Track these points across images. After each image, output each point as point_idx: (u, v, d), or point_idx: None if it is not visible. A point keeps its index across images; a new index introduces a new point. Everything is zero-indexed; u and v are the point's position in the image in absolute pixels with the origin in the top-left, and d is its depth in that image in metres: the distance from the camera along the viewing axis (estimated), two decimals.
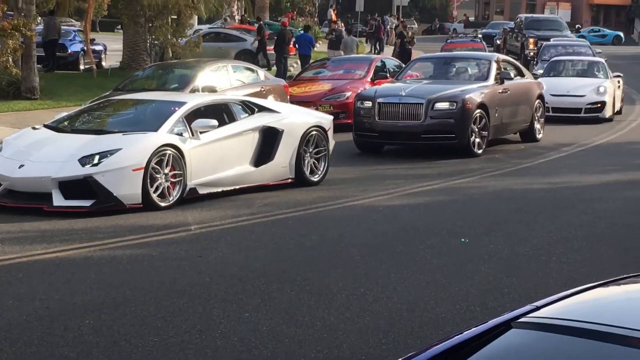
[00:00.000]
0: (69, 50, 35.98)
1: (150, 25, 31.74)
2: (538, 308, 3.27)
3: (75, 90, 27.44)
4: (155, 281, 9.31)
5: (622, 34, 76.10)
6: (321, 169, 15.44)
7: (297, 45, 37.63)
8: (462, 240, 11.25)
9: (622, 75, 28.77)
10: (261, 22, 42.23)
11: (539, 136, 21.47)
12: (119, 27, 45.53)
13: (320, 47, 49.20)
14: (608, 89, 26.23)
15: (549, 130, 22.39)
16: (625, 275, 3.91)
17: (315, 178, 15.28)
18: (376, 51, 51.54)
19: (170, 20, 31.63)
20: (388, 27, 54.16)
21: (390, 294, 8.92)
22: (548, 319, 3.13)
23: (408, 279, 9.44)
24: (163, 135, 13.30)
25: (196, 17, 39.63)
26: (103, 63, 37.77)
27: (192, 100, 14.43)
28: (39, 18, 34.98)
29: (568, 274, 9.76)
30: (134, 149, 12.87)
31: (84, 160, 12.70)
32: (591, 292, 3.48)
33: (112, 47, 40.62)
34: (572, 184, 15.85)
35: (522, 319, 3.18)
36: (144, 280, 9.37)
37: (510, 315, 3.28)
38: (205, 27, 45.87)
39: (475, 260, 10.23)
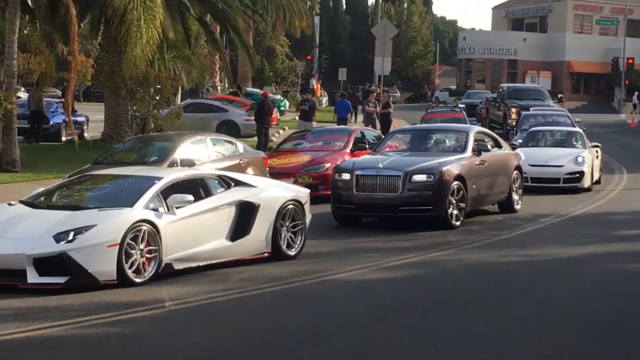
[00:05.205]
0: (51, 122, 36.10)
1: (132, 97, 31.86)
2: None
3: (57, 162, 27.45)
4: None
5: None
6: (298, 242, 15.43)
7: (336, 112, 42.96)
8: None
9: (600, 145, 28.98)
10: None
11: (517, 207, 21.52)
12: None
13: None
14: (586, 158, 26.40)
15: (528, 201, 22.47)
16: None
17: (292, 252, 15.27)
18: (354, 119, 51.70)
19: (152, 92, 31.73)
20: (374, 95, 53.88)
21: None
22: None
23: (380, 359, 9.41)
24: (138, 211, 13.30)
25: (179, 91, 39.88)
26: (85, 134, 37.87)
27: (168, 176, 14.45)
28: (22, 89, 35.21)
29: (542, 350, 9.75)
30: (109, 225, 12.85)
31: (59, 237, 12.65)
32: None
33: (95, 118, 40.71)
34: (549, 257, 15.87)
35: None
36: None
37: None
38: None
39: (447, 338, 10.22)
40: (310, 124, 36.31)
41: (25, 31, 29.12)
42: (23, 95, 42.91)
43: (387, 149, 21.54)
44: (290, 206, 15.34)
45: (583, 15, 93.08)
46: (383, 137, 24.78)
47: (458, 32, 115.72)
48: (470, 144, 20.35)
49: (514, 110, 43.92)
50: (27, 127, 34.39)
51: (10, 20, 25.19)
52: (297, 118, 41.94)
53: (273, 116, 39.31)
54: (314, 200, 17.61)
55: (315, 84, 74.02)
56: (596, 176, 27.48)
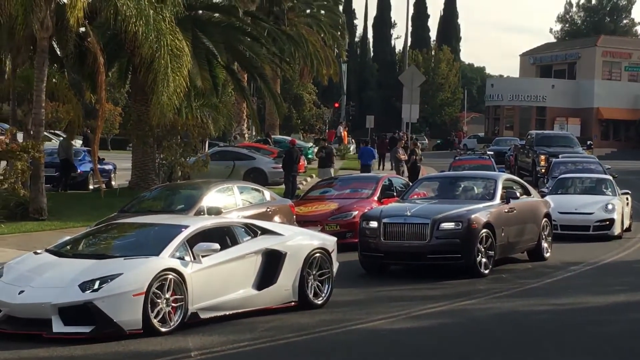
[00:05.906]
0: (79, 170, 36.20)
1: (159, 145, 31.92)
2: None
3: (83, 210, 27.47)
4: None
5: None
6: (325, 291, 15.29)
7: (360, 158, 44.41)
8: None
9: (630, 192, 28.74)
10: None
11: (547, 255, 21.32)
12: (130, 145, 45.90)
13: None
14: (616, 206, 26.17)
15: (557, 249, 22.25)
16: None
17: (319, 301, 15.11)
18: (382, 167, 51.76)
19: (179, 140, 31.80)
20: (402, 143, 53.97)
21: None
22: None
23: None
24: (164, 260, 13.22)
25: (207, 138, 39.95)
26: (113, 182, 37.91)
27: (195, 224, 14.38)
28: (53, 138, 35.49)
29: None
30: (135, 274, 12.77)
31: (85, 286, 12.59)
32: None
33: (122, 166, 40.78)
34: (579, 306, 15.66)
35: None
36: None
37: None
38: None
39: None
40: (327, 171, 36.23)
41: (53, 80, 29.29)
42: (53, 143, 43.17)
43: (415, 196, 21.41)
44: (317, 254, 15.23)
45: (612, 61, 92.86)
46: (411, 184, 24.67)
47: (486, 78, 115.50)
48: (499, 191, 20.21)
49: (542, 157, 43.71)
50: (56, 175, 34.51)
51: (39, 68, 25.36)
52: None
53: (300, 164, 39.29)
54: (341, 248, 17.49)
55: (342, 131, 74.11)
56: (626, 224, 27.23)
